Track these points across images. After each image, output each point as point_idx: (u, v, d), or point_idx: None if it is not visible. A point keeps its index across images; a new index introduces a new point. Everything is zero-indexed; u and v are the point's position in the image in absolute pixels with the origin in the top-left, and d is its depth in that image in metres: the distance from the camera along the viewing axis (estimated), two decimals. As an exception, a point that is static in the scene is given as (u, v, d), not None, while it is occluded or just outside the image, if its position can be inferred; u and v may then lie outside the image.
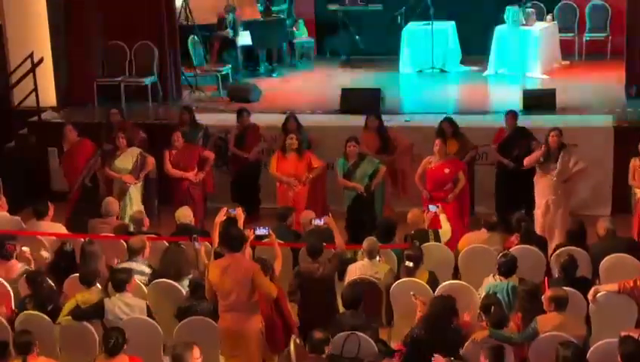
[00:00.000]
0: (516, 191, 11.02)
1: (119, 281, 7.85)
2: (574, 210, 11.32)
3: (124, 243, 9.14)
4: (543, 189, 10.56)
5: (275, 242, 8.36)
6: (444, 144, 10.74)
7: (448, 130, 11.34)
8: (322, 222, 9.08)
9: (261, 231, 8.49)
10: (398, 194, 11.74)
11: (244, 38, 15.86)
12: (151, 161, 11.39)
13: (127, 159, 11.29)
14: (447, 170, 10.62)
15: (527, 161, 10.63)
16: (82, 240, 9.14)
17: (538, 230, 10.25)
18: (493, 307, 7.27)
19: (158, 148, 11.74)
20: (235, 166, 12.21)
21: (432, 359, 6.83)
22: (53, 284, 8.29)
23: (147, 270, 8.67)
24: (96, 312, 7.73)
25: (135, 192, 11.26)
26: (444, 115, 11.81)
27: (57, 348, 7.80)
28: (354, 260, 8.77)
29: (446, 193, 10.55)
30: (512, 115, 11.43)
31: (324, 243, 8.54)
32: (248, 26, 16.00)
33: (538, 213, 10.56)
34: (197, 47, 15.30)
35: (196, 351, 6.72)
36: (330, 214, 9.24)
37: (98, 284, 8.17)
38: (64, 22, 14.13)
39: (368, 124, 11.67)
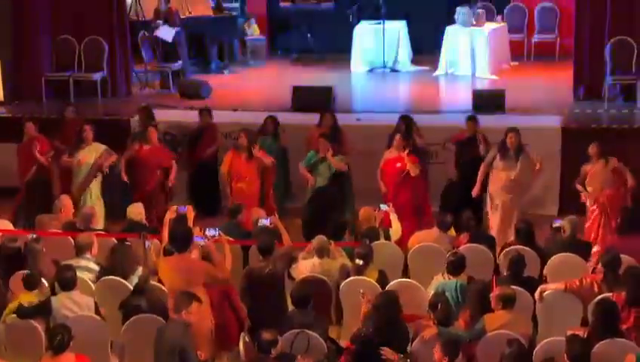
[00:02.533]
0: (465, 191, 11.12)
1: (66, 280, 7.75)
2: (522, 208, 11.45)
3: (72, 240, 9.03)
4: (498, 189, 10.66)
5: (225, 242, 8.30)
6: (402, 140, 10.89)
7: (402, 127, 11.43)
8: (269, 222, 9.08)
9: (211, 232, 8.43)
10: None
11: (164, 32, 15.05)
12: (115, 156, 11.28)
13: (90, 153, 11.19)
14: (398, 165, 10.77)
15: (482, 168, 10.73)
16: (29, 236, 9.02)
17: (494, 229, 10.40)
18: (440, 304, 7.32)
19: (107, 143, 11.61)
20: (191, 166, 12.12)
21: (382, 352, 6.88)
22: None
23: (95, 267, 8.58)
24: (42, 310, 7.62)
25: (96, 187, 11.15)
26: (401, 113, 11.85)
27: (2, 347, 7.69)
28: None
29: (403, 186, 10.67)
30: (473, 121, 11.46)
31: (275, 242, 8.53)
32: (200, 22, 15.90)
33: (492, 212, 10.64)
34: (147, 42, 15.17)
35: (194, 306, 6.91)
36: (275, 214, 9.22)
37: (45, 282, 8.07)
38: (12, 15, 13.94)
39: (323, 121, 11.73)
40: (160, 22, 14.88)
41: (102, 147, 11.25)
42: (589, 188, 10.56)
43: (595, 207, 10.42)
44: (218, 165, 11.78)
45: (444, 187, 11.56)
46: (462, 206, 10.37)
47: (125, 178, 11.24)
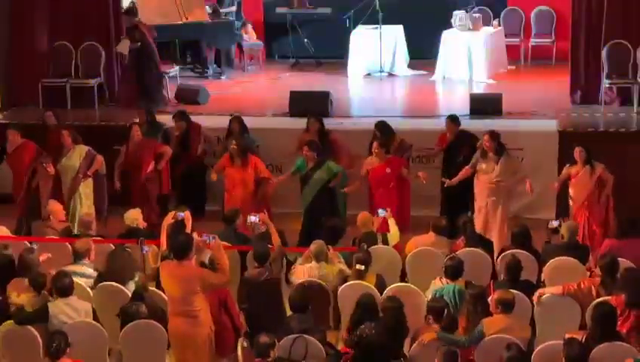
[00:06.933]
0: (463, 195, 11.12)
1: (62, 286, 7.73)
2: (518, 213, 11.47)
3: (69, 246, 9.02)
4: (481, 191, 10.66)
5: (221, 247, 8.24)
6: (382, 146, 10.86)
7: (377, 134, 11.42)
8: (257, 219, 9.05)
9: (206, 238, 8.35)
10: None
11: (121, 46, 13.85)
12: (100, 159, 11.29)
13: (74, 157, 11.20)
14: (388, 170, 10.75)
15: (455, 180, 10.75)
16: (26, 244, 9.01)
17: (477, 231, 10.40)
18: (445, 310, 7.33)
19: (104, 149, 11.62)
20: (180, 166, 12.12)
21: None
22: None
23: (93, 273, 8.57)
24: (40, 316, 7.61)
25: (86, 191, 11.16)
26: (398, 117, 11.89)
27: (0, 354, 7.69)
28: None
29: (390, 191, 10.65)
30: (451, 120, 11.48)
31: (270, 247, 8.51)
32: (197, 27, 15.88)
33: (476, 214, 10.65)
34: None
35: None
36: (265, 212, 9.19)
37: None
38: (8, 21, 13.94)
39: (309, 126, 11.72)
40: (122, 37, 14.53)
41: (84, 148, 11.28)
42: (572, 196, 10.59)
43: (578, 218, 10.42)
44: (206, 165, 11.89)
45: (442, 192, 11.53)
46: (462, 209, 10.43)
47: (118, 185, 11.36)
